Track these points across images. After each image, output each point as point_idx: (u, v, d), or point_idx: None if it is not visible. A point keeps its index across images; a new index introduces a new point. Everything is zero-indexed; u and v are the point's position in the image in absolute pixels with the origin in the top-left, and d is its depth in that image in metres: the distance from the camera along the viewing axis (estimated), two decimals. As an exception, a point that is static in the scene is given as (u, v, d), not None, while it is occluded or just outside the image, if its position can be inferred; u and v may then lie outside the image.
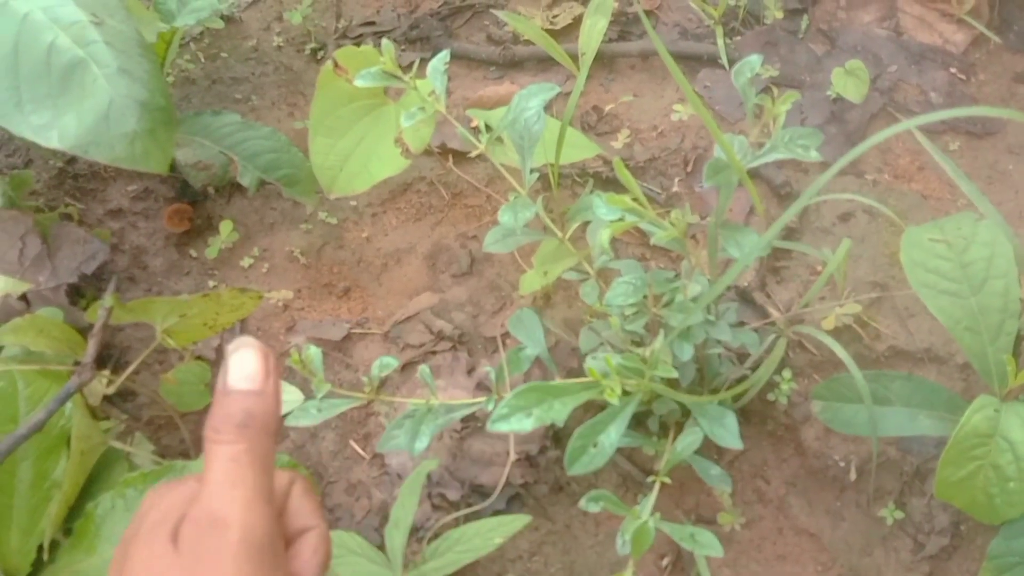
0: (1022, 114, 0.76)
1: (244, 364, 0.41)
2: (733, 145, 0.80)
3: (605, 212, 0.73)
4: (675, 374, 0.70)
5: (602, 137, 1.25)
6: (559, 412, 0.65)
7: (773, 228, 0.72)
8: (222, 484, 0.39)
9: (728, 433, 0.77)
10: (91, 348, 0.95)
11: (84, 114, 0.86)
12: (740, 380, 0.90)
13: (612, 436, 0.72)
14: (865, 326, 1.04)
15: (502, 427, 0.63)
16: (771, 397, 0.99)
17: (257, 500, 0.39)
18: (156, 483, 0.90)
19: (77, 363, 0.97)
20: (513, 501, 0.99)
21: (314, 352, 0.71)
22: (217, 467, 0.40)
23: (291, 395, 1.05)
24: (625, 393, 0.75)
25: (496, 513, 0.98)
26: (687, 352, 0.75)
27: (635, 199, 0.74)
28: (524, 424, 0.64)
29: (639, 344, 0.85)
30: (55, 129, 0.86)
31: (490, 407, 0.87)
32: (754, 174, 1.19)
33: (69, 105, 0.86)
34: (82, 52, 0.87)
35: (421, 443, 0.84)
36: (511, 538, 0.93)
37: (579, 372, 1.00)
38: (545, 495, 1.00)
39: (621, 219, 0.74)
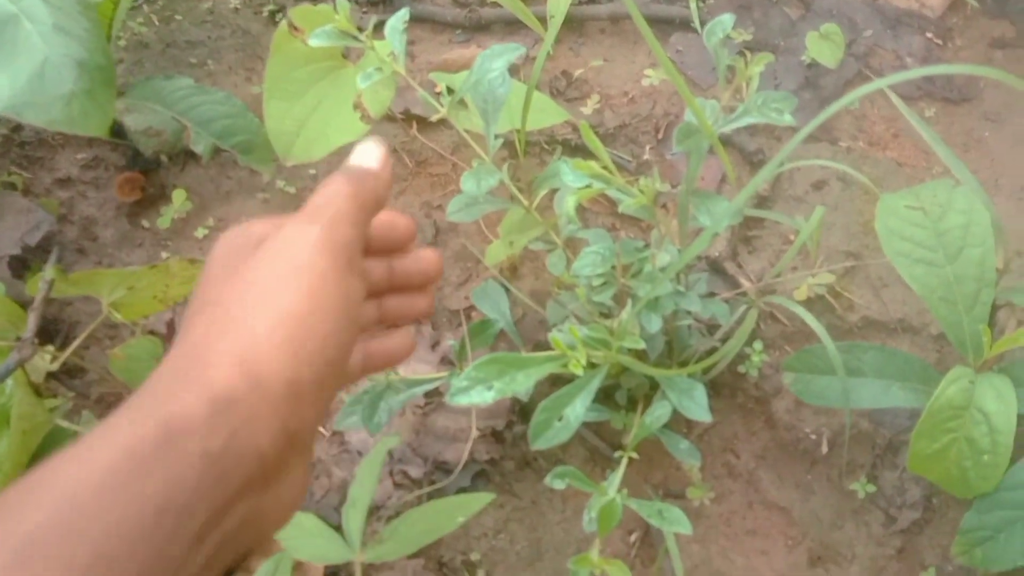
0: (1000, 72, 0.74)
1: (368, 151, 0.45)
2: (705, 110, 0.77)
3: (572, 179, 0.70)
4: (642, 345, 0.67)
5: (571, 103, 1.21)
6: (522, 384, 0.62)
7: (743, 193, 0.69)
8: (322, 194, 0.41)
9: (697, 406, 0.75)
10: (31, 322, 0.90)
11: (16, 74, 0.80)
12: (710, 352, 0.88)
13: (578, 409, 0.69)
14: (838, 296, 1.02)
15: (462, 400, 0.60)
16: (741, 369, 0.97)
17: (345, 224, 0.40)
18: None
19: (18, 339, 0.92)
20: (478, 477, 0.96)
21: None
22: (323, 188, 0.41)
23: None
24: (591, 365, 0.72)
25: (461, 490, 0.95)
26: (655, 323, 0.72)
27: (604, 166, 0.70)
28: (485, 397, 0.60)
29: (607, 316, 0.82)
30: (-14, 90, 0.81)
31: (453, 382, 0.84)
32: (726, 141, 1.16)
33: (1, 64, 0.81)
34: (14, 7, 0.82)
35: (379, 420, 0.80)
36: (476, 515, 0.91)
37: (547, 345, 0.97)
38: (511, 471, 0.97)
39: (588, 186, 0.71)
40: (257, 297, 0.37)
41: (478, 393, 0.58)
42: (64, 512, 0.29)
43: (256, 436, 0.35)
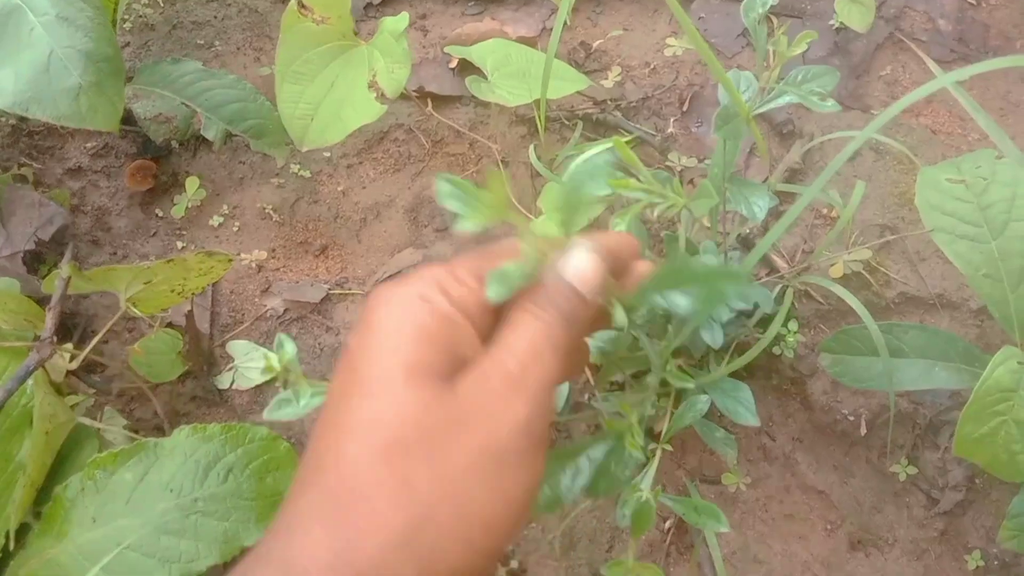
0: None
1: (584, 264, 0.37)
2: (738, 82, 0.73)
3: (594, 188, 0.66)
4: (691, 384, 0.64)
5: (591, 75, 1.18)
6: (584, 475, 0.57)
7: (798, 203, 0.66)
8: (525, 351, 0.34)
9: (744, 409, 0.72)
10: (50, 322, 0.88)
11: (21, 68, 0.78)
12: (747, 339, 0.85)
13: (630, 469, 0.65)
14: (874, 272, 0.98)
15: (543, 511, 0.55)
16: (776, 351, 0.94)
17: (549, 390, 0.34)
18: (129, 458, 0.85)
19: (37, 338, 0.91)
20: (507, 467, 0.95)
21: (289, 349, 0.61)
22: (525, 333, 0.34)
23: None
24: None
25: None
26: (718, 337, 0.68)
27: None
28: (550, 504, 0.55)
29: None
30: (-9, 85, 0.78)
31: None
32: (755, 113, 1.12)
33: (3, 59, 0.78)
34: (15, -2, 0.79)
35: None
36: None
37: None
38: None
39: (612, 194, 0.67)
40: (441, 475, 0.31)
41: (546, 499, 0.53)
42: None
43: None
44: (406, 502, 0.31)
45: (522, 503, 0.33)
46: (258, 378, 1.02)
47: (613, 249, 0.39)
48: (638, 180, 0.58)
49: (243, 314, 1.07)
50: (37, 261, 1.07)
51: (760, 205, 0.65)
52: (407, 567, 0.30)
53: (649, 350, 0.49)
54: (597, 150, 0.50)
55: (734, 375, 0.79)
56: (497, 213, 0.36)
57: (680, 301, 0.37)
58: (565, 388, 0.83)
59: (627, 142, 1.04)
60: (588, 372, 0.95)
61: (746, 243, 1.01)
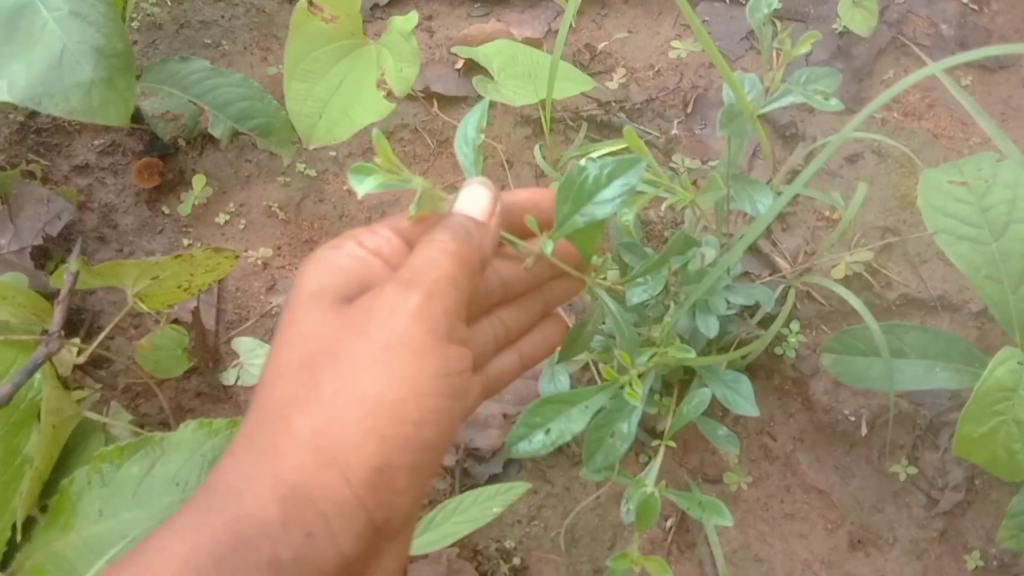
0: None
1: (475, 196, 0.40)
2: (742, 84, 0.74)
3: None
4: (692, 354, 0.65)
5: (596, 77, 1.18)
6: (579, 422, 0.58)
7: (793, 185, 0.67)
8: (420, 261, 0.36)
9: (743, 400, 0.73)
10: (58, 316, 0.89)
11: (34, 62, 0.78)
12: (749, 337, 0.86)
13: (631, 424, 0.66)
14: (875, 273, 0.99)
15: (524, 451, 0.56)
16: (778, 351, 0.95)
17: (446, 285, 0.36)
18: (136, 452, 0.85)
19: (44, 332, 0.91)
20: (511, 464, 0.95)
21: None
22: (420, 251, 0.37)
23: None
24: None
25: (493, 477, 0.94)
26: (713, 327, 0.69)
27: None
28: (544, 443, 0.56)
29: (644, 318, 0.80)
30: (3, 80, 0.79)
31: (511, 434, 0.82)
32: (759, 115, 1.13)
33: (17, 53, 0.79)
34: (29, -6, 0.79)
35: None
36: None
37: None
38: (544, 457, 0.95)
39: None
40: (345, 376, 0.33)
41: (538, 440, 0.55)
42: None
43: (336, 536, 0.31)
44: (313, 407, 0.33)
45: (435, 391, 0.34)
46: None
47: (517, 195, 0.42)
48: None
49: (248, 311, 1.08)
50: (44, 256, 1.08)
51: (764, 203, 0.66)
52: (326, 472, 0.31)
53: (618, 320, 0.49)
54: (604, 151, 0.50)
55: (735, 371, 0.80)
56: (387, 174, 0.39)
57: (598, 209, 0.40)
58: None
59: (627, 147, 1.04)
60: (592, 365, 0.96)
61: (749, 245, 1.02)
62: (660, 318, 0.73)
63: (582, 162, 0.44)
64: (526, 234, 0.43)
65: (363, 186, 0.39)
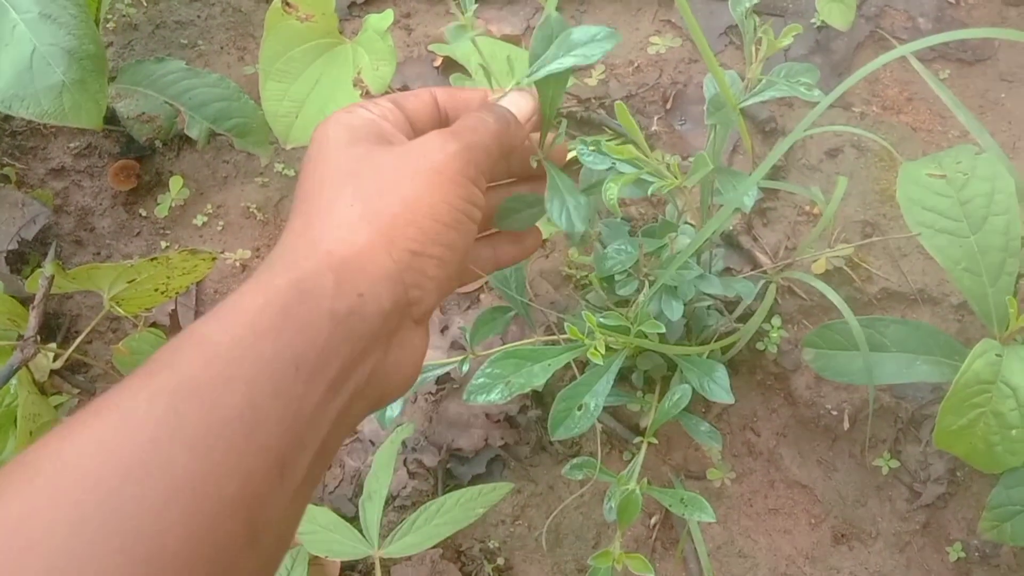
0: (1016, 33, 0.71)
1: (520, 100, 0.49)
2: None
3: (592, 161, 0.67)
4: (663, 329, 0.65)
5: (575, 73, 1.18)
6: (540, 377, 0.60)
7: (762, 167, 0.66)
8: (464, 124, 0.44)
9: (719, 387, 0.73)
10: (33, 321, 0.88)
11: (4, 66, 0.77)
12: (729, 332, 0.86)
13: (598, 397, 0.67)
14: (856, 267, 0.99)
15: (481, 399, 0.57)
16: (760, 346, 0.95)
17: (482, 150, 0.44)
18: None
19: (20, 337, 0.90)
20: (494, 463, 0.95)
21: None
22: (467, 120, 0.45)
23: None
24: (609, 351, 0.69)
25: (476, 477, 0.94)
26: (676, 311, 0.69)
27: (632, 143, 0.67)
28: (504, 394, 0.58)
29: (624, 301, 0.80)
30: (-28, 83, 0.78)
31: (464, 368, 0.82)
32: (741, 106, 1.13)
33: (-14, 55, 0.77)
34: (-3, -5, 0.78)
35: (392, 411, 0.78)
36: (493, 502, 0.89)
37: (559, 328, 0.95)
38: (527, 456, 0.95)
39: (612, 167, 0.68)
40: (388, 181, 0.40)
41: (498, 391, 0.56)
42: (213, 365, 0.32)
43: (380, 298, 0.38)
44: (360, 200, 0.40)
45: (461, 207, 0.42)
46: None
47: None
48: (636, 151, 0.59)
49: (228, 313, 1.07)
50: (20, 261, 1.07)
51: (748, 195, 0.65)
52: (375, 248, 0.39)
53: (558, 184, 0.52)
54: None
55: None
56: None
57: (569, 59, 0.47)
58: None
59: (610, 140, 1.04)
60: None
61: (730, 240, 1.02)
62: (633, 302, 0.73)
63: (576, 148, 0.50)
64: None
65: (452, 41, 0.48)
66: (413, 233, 0.40)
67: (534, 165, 0.52)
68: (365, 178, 0.41)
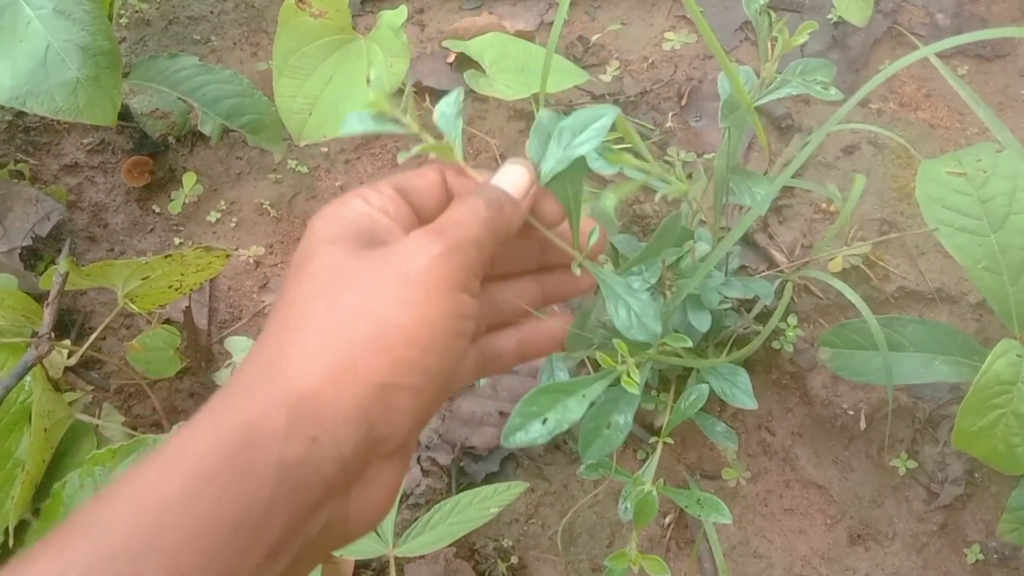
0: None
1: (514, 174, 0.42)
2: (739, 77, 0.73)
3: (600, 166, 0.66)
4: (688, 343, 0.64)
5: (590, 69, 1.17)
6: (576, 411, 0.57)
7: (787, 171, 0.66)
8: (450, 218, 0.39)
9: (741, 392, 0.72)
10: (47, 318, 0.88)
11: (18, 62, 0.77)
12: (746, 331, 0.85)
13: (627, 414, 0.66)
14: (873, 266, 0.98)
15: (520, 441, 0.54)
16: (776, 345, 0.94)
17: (469, 244, 0.38)
18: (129, 454, 0.84)
19: (34, 334, 0.90)
20: (507, 462, 0.95)
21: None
22: (451, 210, 0.39)
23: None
24: (635, 366, 0.69)
25: (490, 476, 0.93)
26: (704, 322, 0.68)
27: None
28: (541, 432, 0.55)
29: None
30: (-13, 79, 0.78)
31: (482, 383, 0.81)
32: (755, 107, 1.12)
33: (1, 52, 0.77)
34: (12, -9, 0.78)
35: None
36: (506, 501, 0.89)
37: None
38: (540, 455, 0.95)
39: (620, 171, 0.67)
40: (361, 300, 0.36)
41: (535, 430, 0.53)
42: (139, 528, 0.29)
43: (339, 442, 0.34)
44: (327, 324, 0.35)
45: (443, 327, 0.36)
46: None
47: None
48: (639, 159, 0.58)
49: (241, 310, 1.07)
50: (34, 257, 1.07)
51: (760, 193, 0.65)
52: (335, 382, 0.34)
53: (613, 288, 0.49)
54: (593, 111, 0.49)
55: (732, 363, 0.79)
56: (379, 110, 0.41)
57: (574, 151, 0.43)
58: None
59: (621, 138, 1.03)
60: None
61: (745, 238, 1.01)
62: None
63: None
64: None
65: (348, 128, 0.41)
66: (383, 364, 0.35)
67: (577, 272, 0.46)
68: (339, 292, 0.36)
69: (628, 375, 0.54)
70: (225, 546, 0.30)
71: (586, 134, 0.43)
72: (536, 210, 0.43)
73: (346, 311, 0.35)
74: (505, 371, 0.46)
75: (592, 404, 0.58)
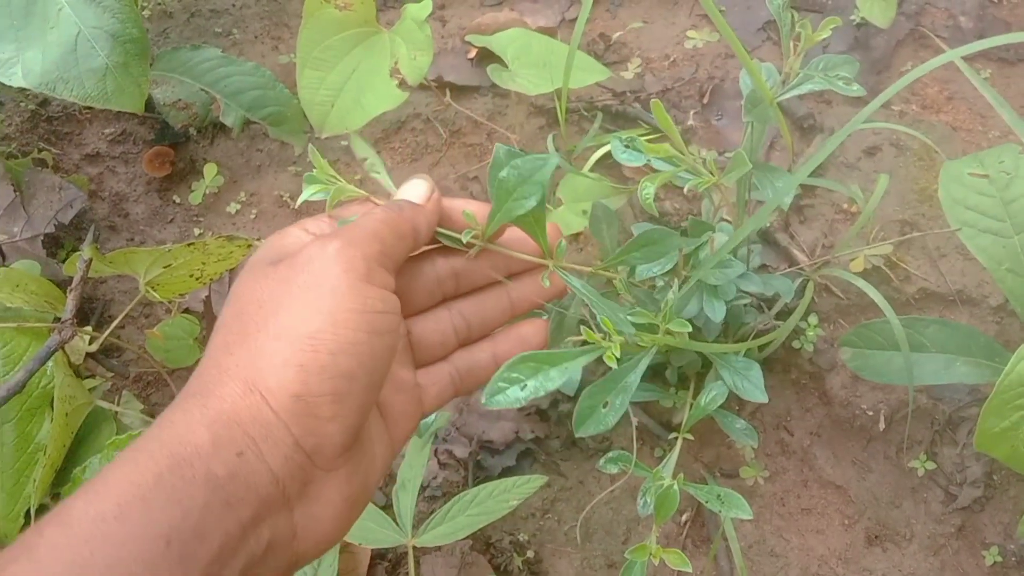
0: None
1: (413, 185, 0.45)
2: (761, 73, 0.73)
3: (627, 158, 0.66)
4: (688, 328, 0.64)
5: (611, 67, 1.17)
6: (556, 381, 0.58)
7: (807, 166, 0.66)
8: (344, 227, 0.40)
9: (753, 386, 0.72)
10: (71, 304, 0.88)
11: (49, 48, 0.78)
12: (766, 329, 0.85)
13: (624, 395, 0.66)
14: (894, 267, 0.98)
15: (499, 403, 0.55)
16: (795, 344, 0.94)
17: (370, 238, 0.39)
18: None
19: (57, 319, 0.91)
20: (524, 456, 0.95)
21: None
22: (357, 222, 0.41)
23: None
24: (636, 348, 0.69)
25: (506, 470, 0.93)
26: (719, 312, 0.68)
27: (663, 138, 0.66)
28: (519, 397, 0.56)
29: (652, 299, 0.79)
30: (18, 65, 0.78)
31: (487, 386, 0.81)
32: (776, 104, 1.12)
33: (32, 38, 0.78)
34: (43, -22, 0.79)
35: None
36: (523, 495, 0.89)
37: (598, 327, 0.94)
38: (557, 450, 0.95)
39: (647, 164, 0.67)
40: (268, 317, 0.37)
41: (513, 393, 0.55)
42: (69, 549, 0.30)
43: (264, 456, 0.34)
44: (239, 347, 0.36)
45: (352, 325, 0.36)
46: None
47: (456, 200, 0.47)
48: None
49: (260, 301, 1.07)
50: (56, 245, 1.08)
51: (782, 187, 0.65)
52: (250, 398, 0.35)
53: (584, 294, 0.51)
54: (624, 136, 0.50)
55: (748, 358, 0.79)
56: (324, 183, 0.47)
57: (518, 207, 0.45)
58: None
59: (645, 135, 1.03)
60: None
61: (766, 237, 1.01)
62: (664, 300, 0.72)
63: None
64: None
65: (304, 195, 0.47)
66: (292, 374, 0.35)
67: (546, 284, 0.49)
68: (249, 316, 0.37)
69: (611, 352, 0.55)
70: (162, 557, 0.30)
71: (528, 187, 0.45)
72: (446, 220, 0.46)
73: (254, 331, 0.36)
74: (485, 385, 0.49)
75: (591, 384, 0.59)
